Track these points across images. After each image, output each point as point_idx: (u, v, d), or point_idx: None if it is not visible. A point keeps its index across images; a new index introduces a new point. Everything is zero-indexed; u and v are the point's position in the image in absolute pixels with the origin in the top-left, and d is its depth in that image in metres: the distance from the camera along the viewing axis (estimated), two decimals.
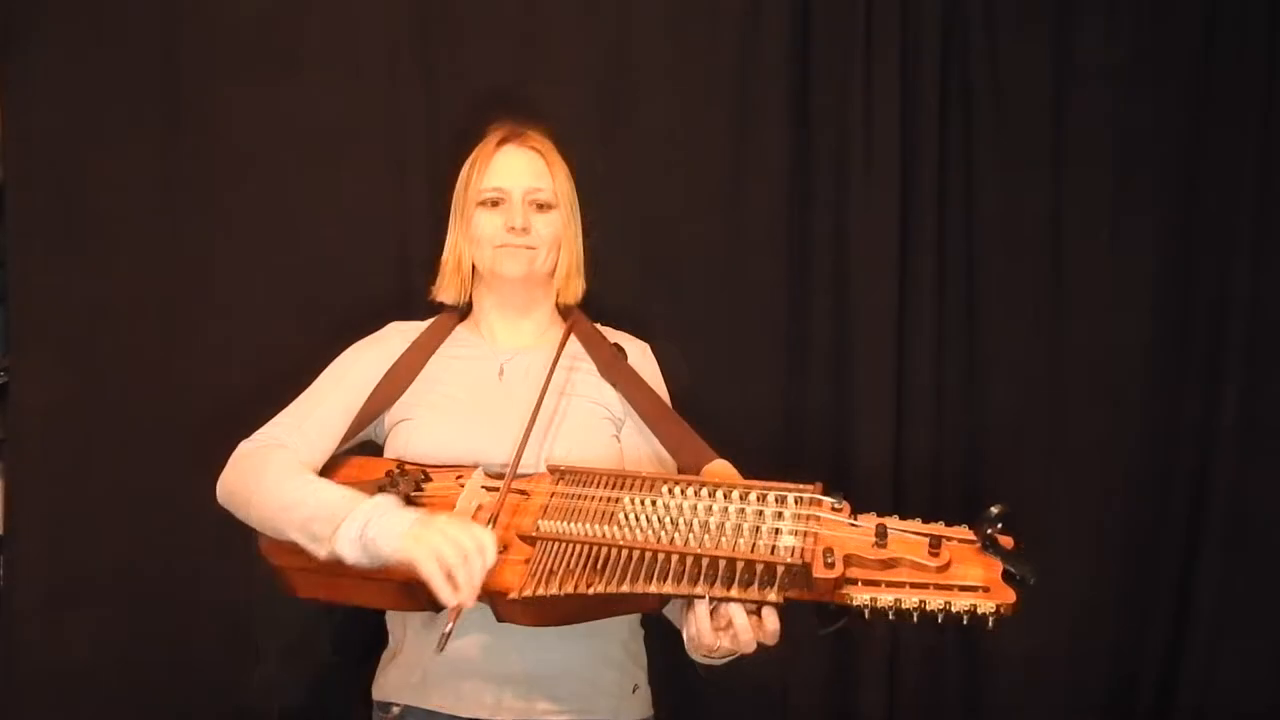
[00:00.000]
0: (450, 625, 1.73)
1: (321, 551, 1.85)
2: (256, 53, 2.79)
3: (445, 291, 2.28)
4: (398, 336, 2.26)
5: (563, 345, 2.11)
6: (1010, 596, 1.55)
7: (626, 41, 2.84)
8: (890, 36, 2.81)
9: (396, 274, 2.82)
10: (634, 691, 2.12)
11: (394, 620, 2.14)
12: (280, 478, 1.98)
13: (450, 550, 1.71)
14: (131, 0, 2.77)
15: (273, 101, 2.79)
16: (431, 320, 2.30)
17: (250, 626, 2.73)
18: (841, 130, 2.85)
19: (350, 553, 1.81)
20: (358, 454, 2.20)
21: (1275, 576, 2.90)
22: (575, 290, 2.27)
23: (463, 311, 2.32)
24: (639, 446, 2.16)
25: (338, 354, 2.28)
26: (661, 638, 2.12)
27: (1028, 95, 2.87)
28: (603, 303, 2.36)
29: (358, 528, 1.80)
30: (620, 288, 2.51)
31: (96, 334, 2.77)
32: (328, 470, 2.12)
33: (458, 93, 2.81)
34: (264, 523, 1.97)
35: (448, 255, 2.27)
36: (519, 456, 1.96)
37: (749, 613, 1.69)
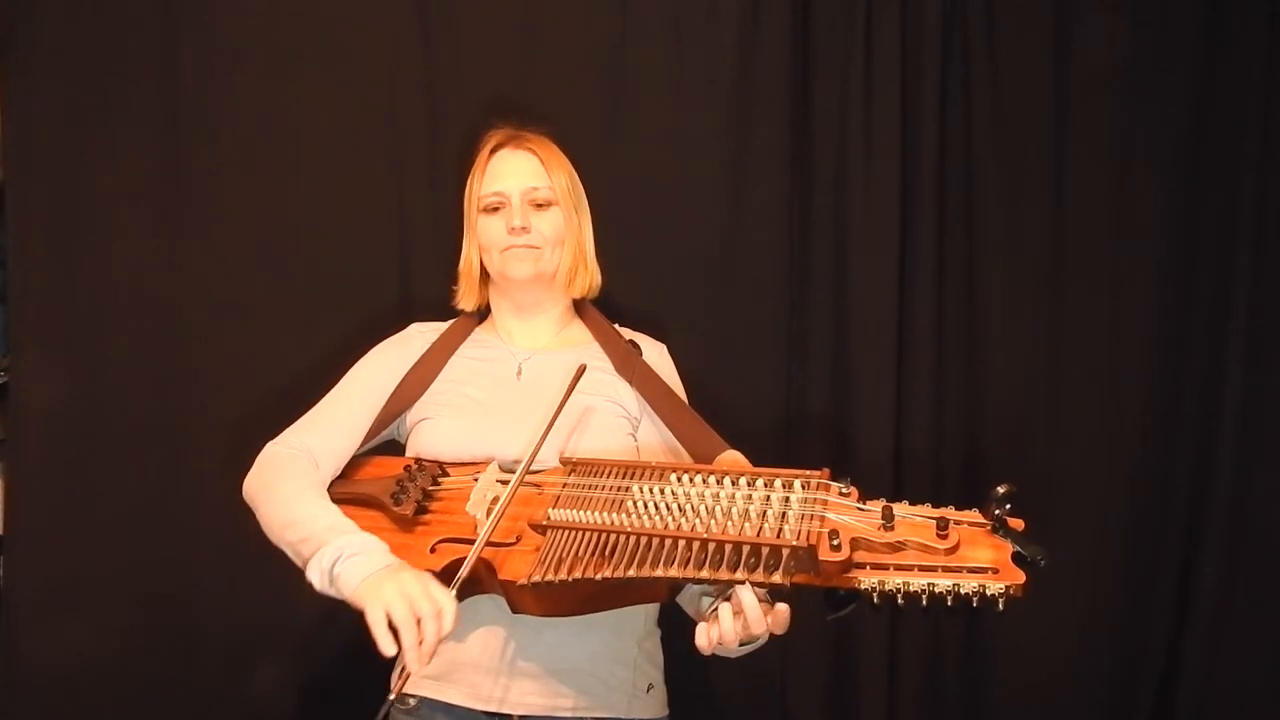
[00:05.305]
0: (393, 694, 1.74)
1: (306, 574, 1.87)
2: (256, 53, 2.80)
3: (464, 299, 2.28)
4: (419, 337, 2.27)
5: (576, 380, 2.08)
6: (1020, 578, 1.54)
7: (626, 41, 2.85)
8: (890, 36, 2.83)
9: (396, 274, 2.83)
10: (648, 691, 2.11)
11: None
12: (291, 493, 1.99)
13: (402, 610, 1.69)
14: (131, 1, 2.78)
15: (272, 102, 2.80)
16: (452, 321, 2.30)
17: (251, 627, 2.74)
18: (841, 129, 2.87)
19: (318, 581, 1.83)
20: (379, 453, 2.21)
21: (1275, 575, 2.91)
22: (584, 285, 2.27)
23: (482, 313, 2.32)
24: (655, 443, 2.16)
25: (337, 354, 2.28)
26: (679, 638, 2.12)
27: (1028, 95, 2.89)
28: (604, 301, 2.36)
29: (330, 559, 1.81)
30: (621, 286, 2.51)
31: (96, 334, 2.78)
32: (350, 469, 2.14)
33: (458, 93, 2.83)
34: (269, 534, 1.98)
35: (463, 265, 2.28)
36: (535, 452, 1.96)
37: (759, 600, 1.70)
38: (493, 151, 2.24)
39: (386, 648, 1.69)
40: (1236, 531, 2.88)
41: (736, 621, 1.71)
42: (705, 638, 1.74)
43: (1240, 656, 2.90)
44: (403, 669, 1.72)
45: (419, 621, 1.69)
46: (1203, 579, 2.89)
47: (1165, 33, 2.88)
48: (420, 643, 1.68)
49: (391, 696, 1.74)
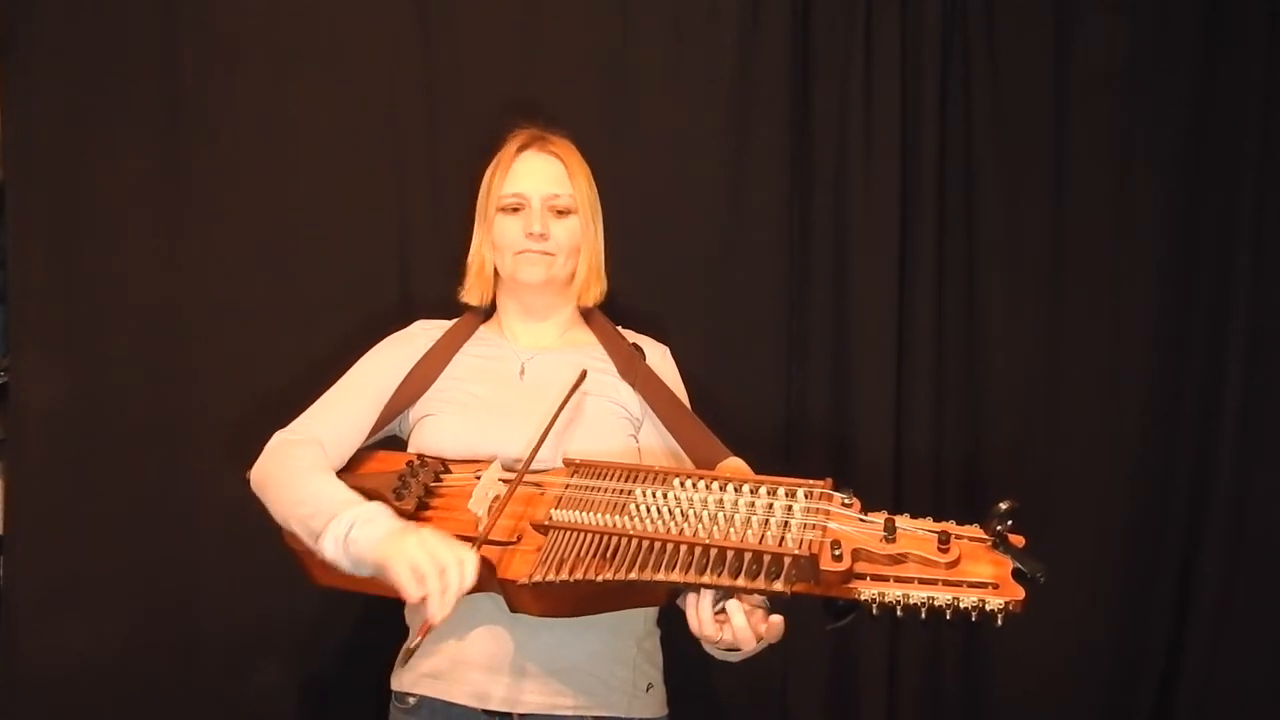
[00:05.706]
0: (418, 640, 1.74)
1: (316, 548, 1.88)
2: (256, 53, 2.80)
3: (470, 294, 2.29)
4: (423, 334, 2.28)
5: (576, 386, 2.10)
6: (1019, 594, 1.54)
7: (626, 41, 2.85)
8: (890, 36, 2.83)
9: (396, 274, 2.82)
10: (648, 690, 2.11)
11: (412, 613, 2.15)
12: (298, 474, 2.01)
13: (425, 559, 1.72)
14: (131, 1, 2.77)
15: (272, 102, 2.80)
16: (457, 319, 2.31)
17: (251, 627, 2.74)
18: (841, 130, 2.86)
19: (331, 551, 1.85)
20: (382, 448, 2.21)
21: (1275, 575, 2.91)
22: (595, 293, 2.28)
23: (487, 311, 2.32)
24: (657, 446, 2.17)
25: (337, 354, 2.28)
26: (679, 638, 2.12)
27: (1028, 95, 2.89)
28: (605, 301, 2.36)
29: (344, 527, 1.84)
30: (621, 287, 2.51)
31: (96, 334, 2.77)
32: (352, 464, 2.14)
33: (458, 93, 2.82)
34: (278, 515, 2.01)
35: (472, 258, 2.28)
36: (535, 450, 1.98)
37: (757, 606, 1.70)
38: (518, 151, 2.24)
39: (414, 593, 1.71)
40: (1236, 531, 2.89)
41: (725, 628, 1.72)
42: (693, 613, 1.74)
43: (1240, 656, 2.90)
44: (422, 623, 1.72)
45: (441, 572, 1.71)
46: (1203, 579, 2.89)
47: (1165, 33, 2.88)
48: (444, 591, 1.70)
49: (416, 642, 1.73)
